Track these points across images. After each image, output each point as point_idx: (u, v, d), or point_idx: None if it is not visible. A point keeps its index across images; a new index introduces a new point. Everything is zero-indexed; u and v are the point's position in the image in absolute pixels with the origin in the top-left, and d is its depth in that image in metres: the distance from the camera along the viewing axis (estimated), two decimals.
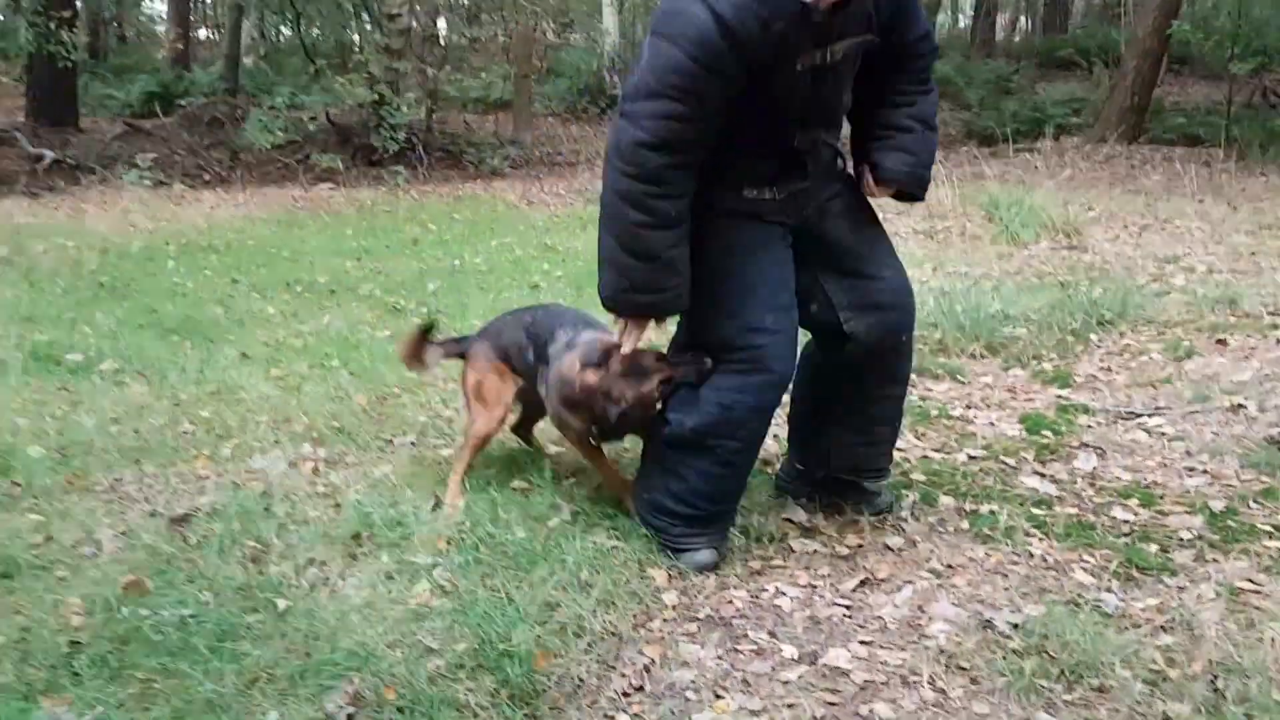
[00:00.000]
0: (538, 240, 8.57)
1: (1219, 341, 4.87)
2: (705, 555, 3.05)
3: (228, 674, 2.49)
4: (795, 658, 2.65)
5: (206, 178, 12.90)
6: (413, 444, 3.98)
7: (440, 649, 2.59)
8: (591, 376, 3.07)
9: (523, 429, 3.85)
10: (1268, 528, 3.14)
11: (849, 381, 3.12)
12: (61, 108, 14.46)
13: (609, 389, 3.03)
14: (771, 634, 2.77)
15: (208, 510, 3.37)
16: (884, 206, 3.25)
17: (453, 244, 8.48)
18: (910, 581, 2.99)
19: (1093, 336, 5.26)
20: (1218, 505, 3.30)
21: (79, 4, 14.06)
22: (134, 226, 9.27)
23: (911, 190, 3.09)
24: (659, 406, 3.04)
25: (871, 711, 2.43)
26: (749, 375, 2.88)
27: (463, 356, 3.58)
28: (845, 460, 3.27)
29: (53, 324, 5.72)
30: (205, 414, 4.30)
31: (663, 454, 3.04)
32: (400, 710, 2.39)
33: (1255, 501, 3.34)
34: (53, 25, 12.70)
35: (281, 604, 2.80)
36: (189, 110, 14.83)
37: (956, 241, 8.03)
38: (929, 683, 2.53)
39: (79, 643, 2.59)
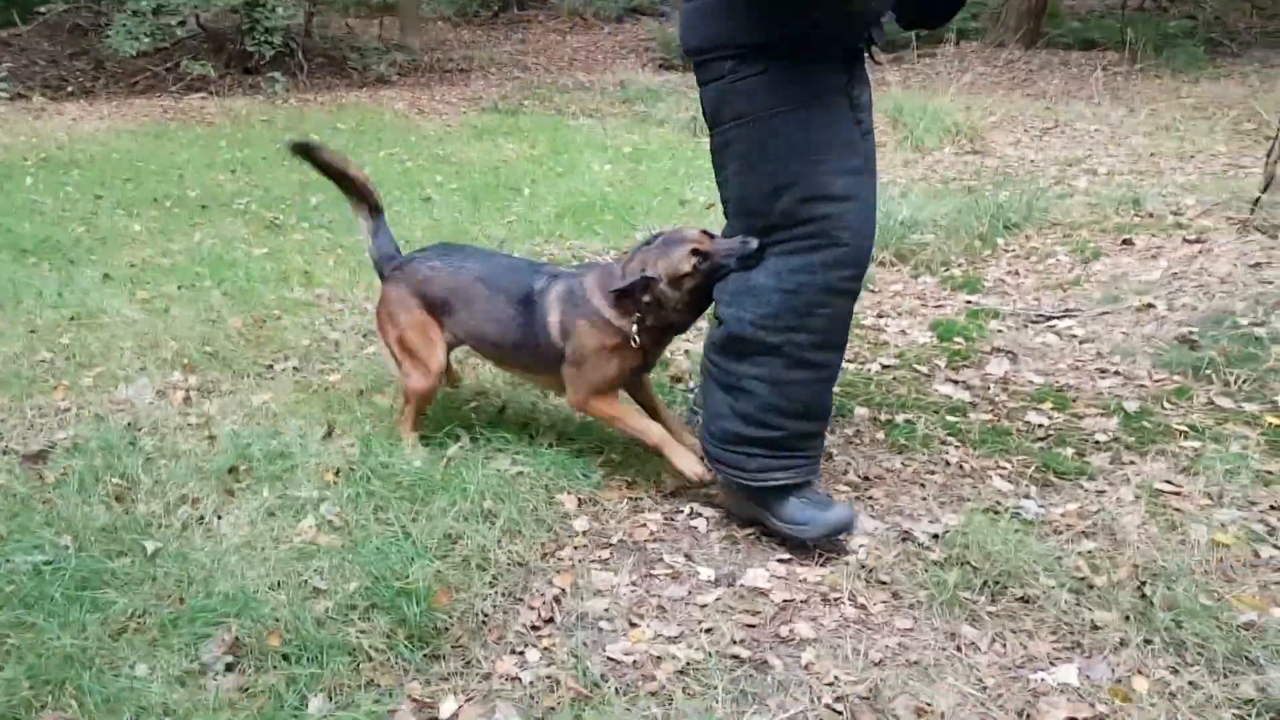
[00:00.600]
0: (429, 151, 8.15)
1: (1125, 242, 4.85)
2: (839, 511, 2.59)
3: (90, 625, 2.27)
4: (712, 580, 2.53)
5: (69, 89, 11.95)
6: (295, 369, 3.69)
7: (329, 589, 2.39)
8: (632, 263, 2.76)
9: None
10: (1183, 427, 3.11)
11: None
12: None
13: (642, 265, 2.71)
14: (687, 556, 2.63)
15: (67, 445, 3.08)
16: None
17: None
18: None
19: (1000, 241, 5.19)
20: (1132, 406, 3.26)
21: None
22: None
23: None
24: (698, 293, 2.69)
25: (792, 631, 2.33)
26: (813, 252, 2.44)
27: (379, 274, 3.16)
28: None
29: None
30: (64, 340, 3.92)
31: (722, 367, 2.59)
32: (285, 657, 2.19)
33: (1169, 401, 3.31)
34: None
35: (150, 546, 2.55)
36: (49, 17, 13.63)
37: None
38: (850, 599, 2.43)
39: None
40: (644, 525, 2.76)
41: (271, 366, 3.73)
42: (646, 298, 2.71)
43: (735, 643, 2.28)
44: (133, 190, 6.73)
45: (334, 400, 3.36)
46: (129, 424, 3.20)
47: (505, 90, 11.89)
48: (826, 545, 2.61)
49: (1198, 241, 4.59)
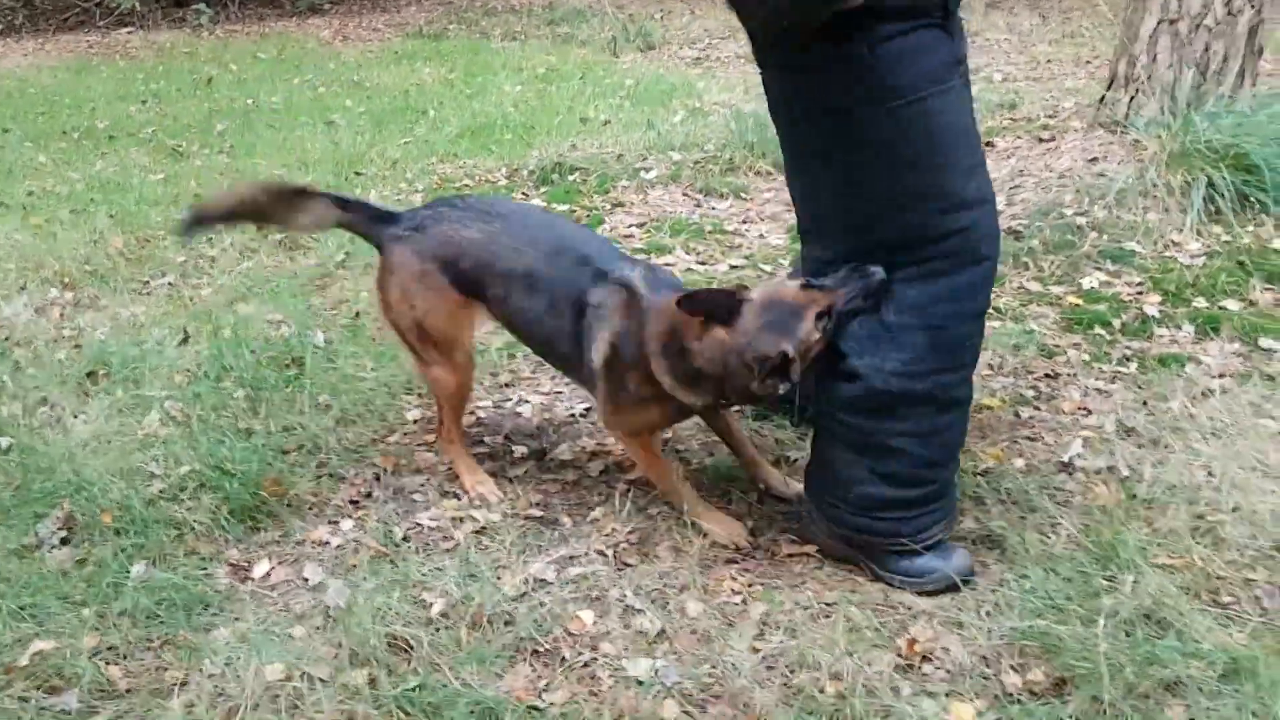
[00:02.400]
0: (345, 77, 8.21)
1: (987, 144, 5.03)
2: (960, 558, 2.18)
3: None
4: (525, 455, 2.76)
5: None
6: (170, 284, 3.88)
7: (163, 474, 2.60)
8: (721, 334, 2.10)
9: None
10: None
11: None
12: None
13: (744, 349, 2.07)
14: (507, 438, 2.87)
15: None
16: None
17: (251, 84, 8.05)
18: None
19: None
20: None
21: None
22: None
23: None
24: (819, 360, 2.14)
25: (585, 496, 2.57)
26: (958, 272, 2.01)
27: (376, 244, 2.50)
28: None
29: None
30: None
31: (855, 427, 2.13)
32: (116, 532, 2.41)
33: None
34: None
35: (4, 442, 2.76)
36: None
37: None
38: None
39: None
40: (473, 412, 2.98)
41: (148, 282, 3.91)
42: (765, 380, 2.07)
43: (532, 505, 2.53)
44: (44, 123, 6.82)
45: (200, 311, 3.55)
46: (4, 338, 3.39)
47: (433, 15, 11.86)
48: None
49: (1050, 140, 4.78)
